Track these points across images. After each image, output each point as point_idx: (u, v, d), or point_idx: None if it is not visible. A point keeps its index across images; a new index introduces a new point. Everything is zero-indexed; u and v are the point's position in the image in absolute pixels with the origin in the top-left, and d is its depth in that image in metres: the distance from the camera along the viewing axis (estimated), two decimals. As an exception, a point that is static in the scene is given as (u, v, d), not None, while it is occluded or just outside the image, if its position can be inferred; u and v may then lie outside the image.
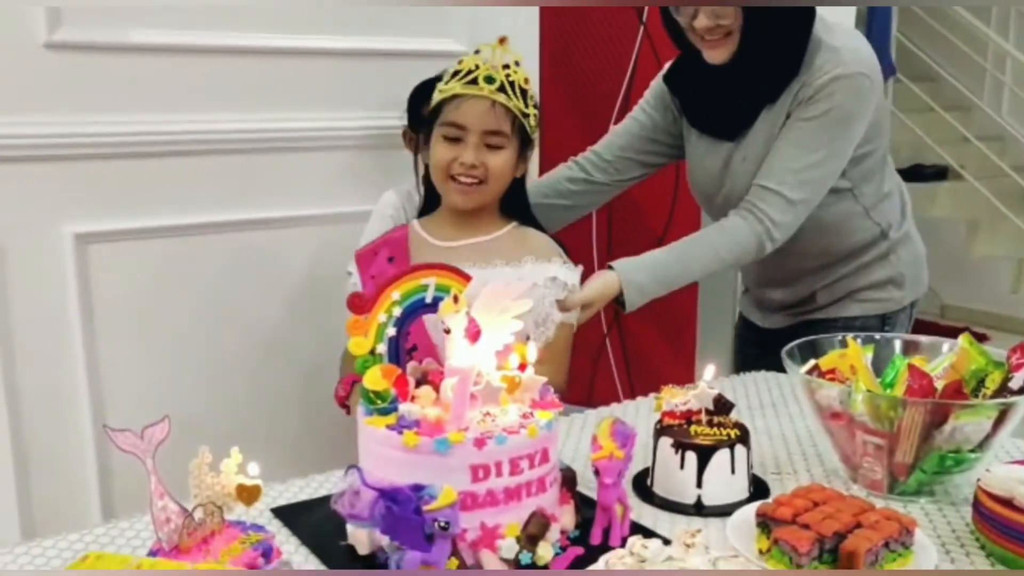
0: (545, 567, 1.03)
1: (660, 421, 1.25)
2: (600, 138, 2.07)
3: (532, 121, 1.58)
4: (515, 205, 1.66)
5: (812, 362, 1.29)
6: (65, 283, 2.02)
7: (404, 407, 1.05)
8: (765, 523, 1.05)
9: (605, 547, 1.07)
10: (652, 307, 3.34)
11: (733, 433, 1.21)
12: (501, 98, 1.52)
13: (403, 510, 0.94)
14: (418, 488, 0.96)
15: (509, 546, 1.02)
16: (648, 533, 1.11)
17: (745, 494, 1.21)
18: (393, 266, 1.51)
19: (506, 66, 1.53)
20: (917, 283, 1.79)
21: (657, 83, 1.86)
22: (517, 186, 1.64)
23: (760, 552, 1.04)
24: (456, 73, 1.55)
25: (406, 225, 1.68)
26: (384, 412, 1.05)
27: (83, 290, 2.03)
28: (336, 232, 2.22)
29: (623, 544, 1.05)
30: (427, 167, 1.68)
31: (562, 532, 1.09)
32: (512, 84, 1.53)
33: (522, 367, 1.10)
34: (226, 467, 0.95)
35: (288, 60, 2.16)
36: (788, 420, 1.50)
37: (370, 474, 1.04)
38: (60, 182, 1.99)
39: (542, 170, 3.26)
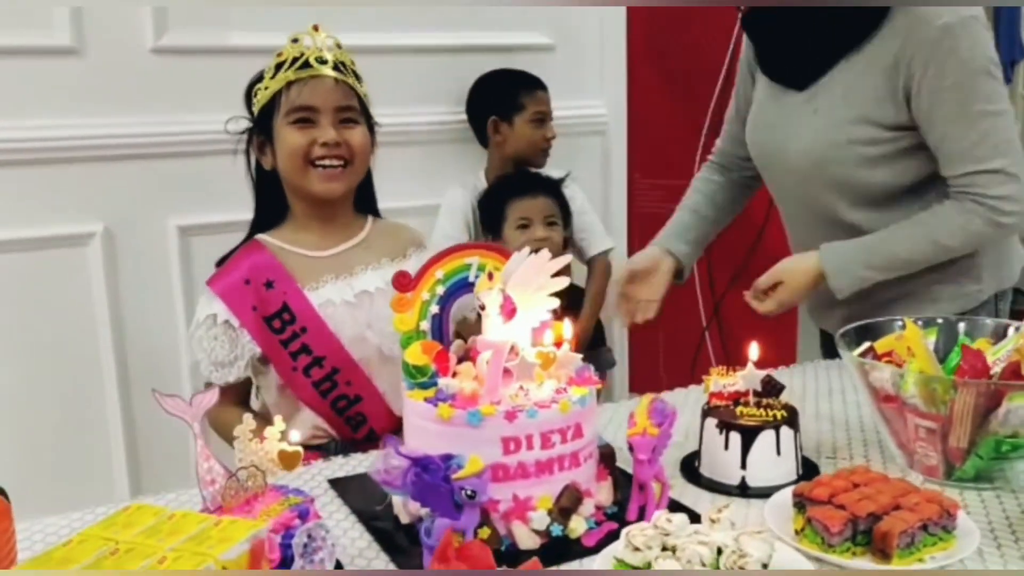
0: (577, 540, 1.05)
1: (708, 402, 1.25)
2: (701, 125, 2.05)
3: (369, 103, 1.55)
4: (368, 198, 1.63)
5: (867, 344, 1.26)
6: (170, 270, 2.16)
7: (443, 381, 1.09)
8: (801, 503, 1.04)
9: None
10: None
11: (780, 414, 1.20)
12: (340, 76, 1.49)
13: (433, 478, 0.98)
14: (448, 457, 1.00)
15: (540, 518, 1.04)
16: (687, 512, 1.11)
17: (792, 476, 1.20)
18: (275, 291, 1.48)
19: (337, 46, 1.51)
20: (999, 272, 1.60)
21: (744, 47, 1.75)
22: (367, 178, 1.60)
23: (796, 532, 1.03)
24: (279, 66, 1.49)
25: (257, 244, 1.56)
26: (424, 386, 1.10)
27: (185, 277, 2.16)
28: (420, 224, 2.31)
29: (656, 519, 1.07)
30: (260, 174, 1.59)
31: (598, 507, 1.11)
32: (343, 64, 1.51)
33: (558, 344, 1.12)
34: (269, 434, 1.01)
35: (373, 58, 2.23)
36: (854, 407, 1.47)
37: (410, 445, 1.10)
38: (164, 178, 2.14)
39: (632, 156, 3.27)
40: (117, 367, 2.12)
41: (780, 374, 1.61)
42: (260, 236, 1.57)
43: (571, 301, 2.20)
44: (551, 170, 2.38)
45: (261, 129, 1.54)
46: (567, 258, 1.14)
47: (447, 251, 1.17)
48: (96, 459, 2.12)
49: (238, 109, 1.65)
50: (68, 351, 2.07)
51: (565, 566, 1.02)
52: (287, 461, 1.01)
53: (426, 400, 1.07)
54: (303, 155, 1.48)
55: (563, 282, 1.12)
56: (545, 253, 1.12)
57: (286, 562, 0.93)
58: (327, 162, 1.48)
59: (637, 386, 3.73)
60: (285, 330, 1.49)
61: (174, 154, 2.14)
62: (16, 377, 2.00)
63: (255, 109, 1.55)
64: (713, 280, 3.45)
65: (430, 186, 2.32)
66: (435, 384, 1.09)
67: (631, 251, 3.56)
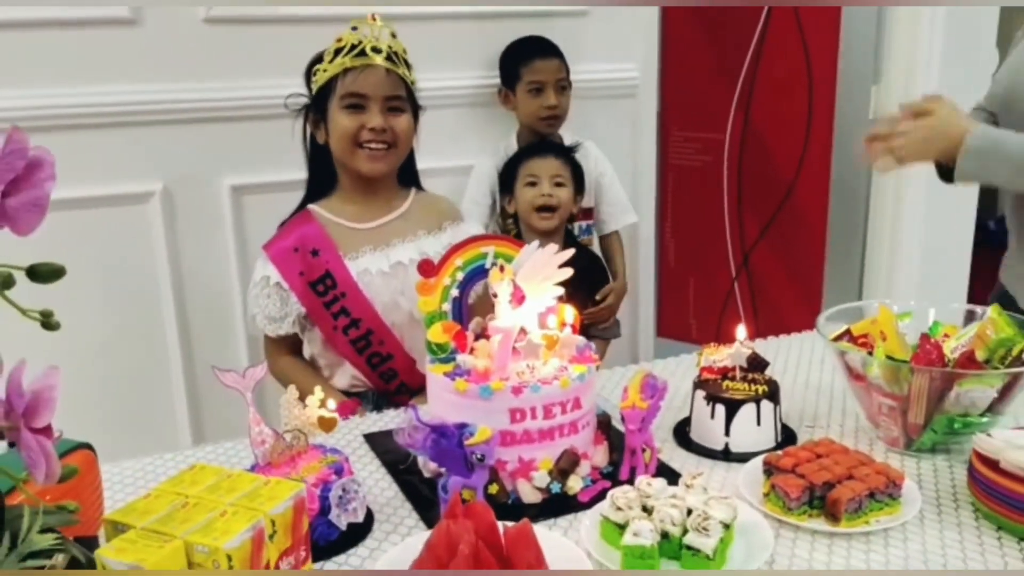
0: (574, 496, 1.22)
1: (699, 375, 1.40)
2: (736, 78, 2.07)
3: (417, 90, 1.68)
4: (411, 173, 1.77)
5: (844, 327, 1.39)
6: (224, 227, 2.33)
7: (461, 358, 1.26)
8: (769, 470, 1.20)
9: (631, 483, 1.24)
10: (780, 252, 3.40)
11: (761, 389, 1.35)
12: (392, 66, 1.62)
13: (449, 443, 1.15)
14: (462, 426, 1.16)
15: (541, 477, 1.21)
16: (673, 474, 1.28)
17: (771, 443, 1.35)
18: (320, 259, 1.64)
19: (392, 36, 1.63)
20: None
21: None
22: (411, 154, 1.74)
23: (764, 495, 1.19)
24: (338, 51, 1.62)
25: (307, 215, 1.71)
26: (444, 361, 1.26)
27: (238, 232, 2.33)
28: (433, 186, 2.45)
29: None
30: (314, 148, 1.73)
31: (594, 468, 1.27)
32: (396, 54, 1.64)
33: (562, 326, 1.27)
34: (310, 402, 1.18)
35: (409, 24, 2.35)
36: (842, 378, 1.61)
37: (431, 412, 1.27)
38: (218, 140, 2.29)
39: (667, 109, 3.35)
40: (178, 318, 2.31)
41: (776, 344, 1.76)
42: (311, 206, 1.73)
43: (595, 273, 2.33)
44: (578, 135, 2.48)
45: (317, 108, 1.69)
46: (571, 252, 1.28)
47: (466, 241, 1.32)
48: (160, 408, 2.32)
49: (286, 76, 1.78)
50: (131, 303, 2.26)
51: (561, 518, 1.18)
52: (325, 425, 1.18)
53: (445, 374, 1.24)
54: (352, 137, 1.63)
55: (568, 272, 1.27)
56: (552, 247, 1.26)
57: (324, 511, 1.12)
58: (373, 145, 1.63)
59: (665, 331, 3.88)
60: (327, 294, 1.66)
61: (227, 118, 2.29)
62: (82, 329, 2.19)
63: (313, 88, 1.70)
64: (744, 232, 3.56)
65: (464, 148, 2.45)
66: (453, 359, 1.26)
67: (662, 205, 3.70)
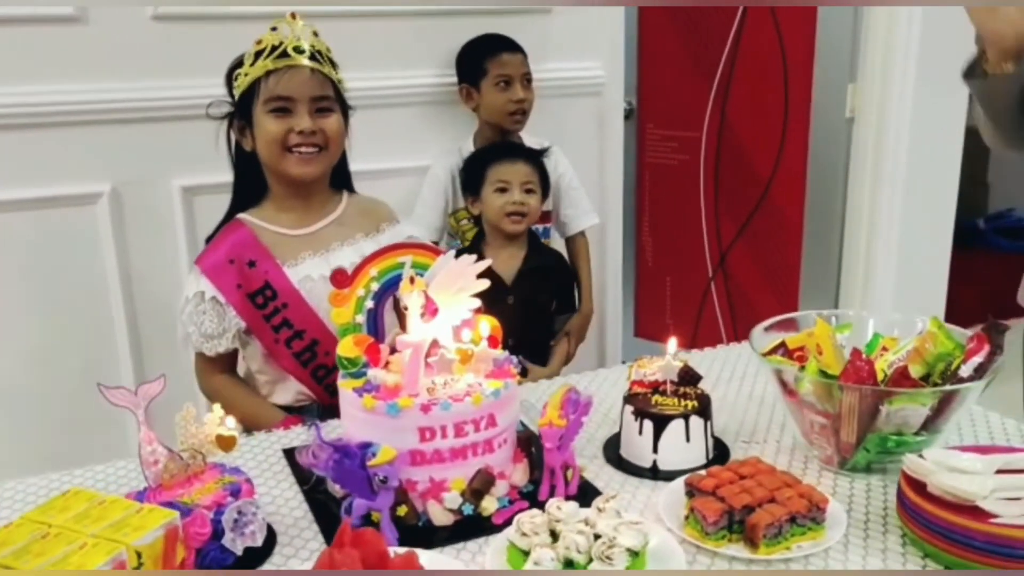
0: (488, 518, 1.17)
1: (629, 389, 1.35)
2: (713, 76, 2.01)
3: (344, 89, 1.63)
4: (343, 175, 1.72)
5: (779, 339, 1.34)
6: (175, 228, 2.28)
7: (372, 372, 1.20)
8: (691, 491, 1.15)
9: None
10: (757, 251, 3.35)
11: (691, 404, 1.29)
12: (316, 66, 1.56)
13: (351, 464, 1.10)
14: (365, 445, 1.11)
15: (453, 498, 1.16)
16: (596, 494, 1.23)
17: (701, 460, 1.30)
18: (257, 270, 1.59)
19: (314, 34, 1.58)
20: None
21: None
22: (341, 158, 1.69)
23: (684, 518, 1.14)
24: (259, 54, 1.56)
25: (238, 224, 1.65)
26: (356, 376, 1.21)
27: (189, 234, 2.28)
28: (386, 187, 2.40)
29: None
30: (240, 155, 1.68)
31: (513, 487, 1.22)
32: (320, 53, 1.58)
33: (477, 340, 1.22)
34: (210, 420, 1.13)
35: (362, 21, 2.30)
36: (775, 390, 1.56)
37: (344, 428, 1.22)
38: (168, 140, 2.24)
39: (644, 107, 3.30)
40: (127, 322, 2.26)
41: (714, 355, 1.71)
42: (241, 216, 1.67)
43: (562, 278, 2.29)
44: (543, 133, 2.43)
45: (242, 113, 1.63)
46: (487, 262, 1.23)
47: (381, 250, 1.27)
48: (108, 415, 2.27)
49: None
50: (79, 307, 2.21)
51: (472, 542, 1.13)
52: (224, 444, 1.13)
53: (354, 390, 1.19)
54: (280, 142, 1.57)
55: (484, 283, 1.22)
56: (468, 257, 1.21)
57: (217, 535, 1.07)
58: (303, 149, 1.57)
59: (643, 331, 3.84)
60: (267, 306, 1.61)
61: (176, 117, 2.23)
62: (27, 334, 2.15)
63: (236, 93, 1.64)
64: (720, 231, 3.51)
65: (418, 149, 2.39)
66: (364, 374, 1.21)
67: (639, 204, 3.64)
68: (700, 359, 1.70)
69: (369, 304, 1.26)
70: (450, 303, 1.20)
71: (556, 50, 2.55)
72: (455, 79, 2.38)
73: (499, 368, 1.23)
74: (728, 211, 3.45)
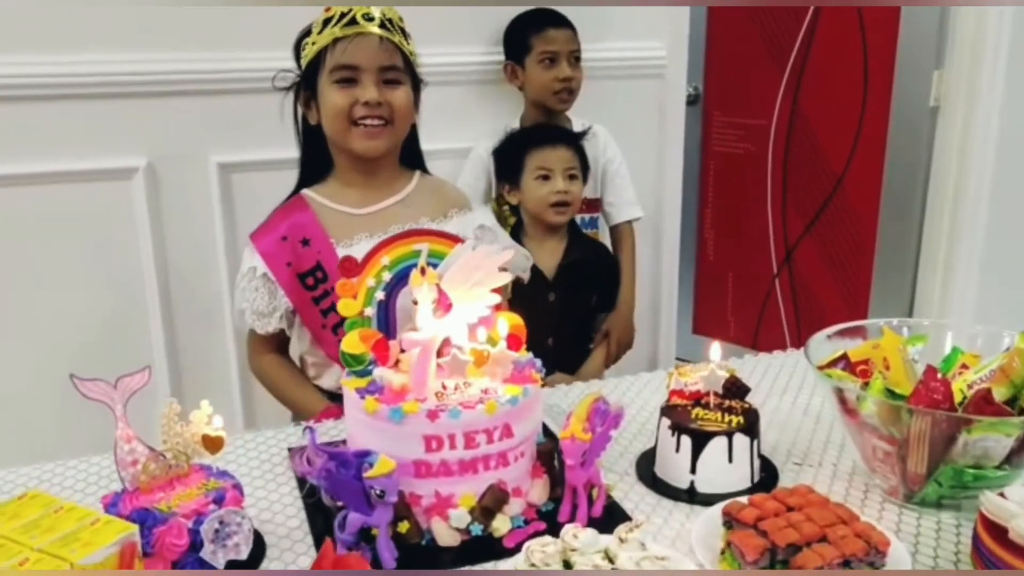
0: (499, 540, 1.05)
1: (667, 400, 1.21)
2: (785, 63, 1.87)
3: (417, 61, 1.52)
4: (414, 154, 1.60)
5: (840, 351, 1.19)
6: (211, 206, 2.21)
7: (378, 371, 1.09)
8: (729, 522, 1.01)
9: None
10: (826, 249, 3.16)
11: (736, 420, 1.15)
12: (386, 34, 1.46)
13: (346, 474, 0.99)
14: (363, 454, 1.00)
15: (459, 516, 1.04)
16: (622, 516, 1.10)
17: (745, 484, 1.16)
18: (311, 249, 1.48)
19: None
20: None
21: None
22: (413, 133, 1.57)
23: (720, 553, 1.00)
24: (327, 21, 1.47)
25: (300, 201, 1.57)
26: (361, 374, 1.10)
27: (226, 212, 2.20)
28: (433, 167, 2.28)
29: (587, 523, 1.06)
30: (307, 129, 1.59)
31: (531, 505, 1.10)
32: (391, 21, 1.47)
33: (495, 341, 1.10)
34: (195, 418, 1.03)
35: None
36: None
37: (348, 432, 1.11)
38: (206, 115, 2.16)
39: (710, 93, 3.14)
40: (160, 298, 2.19)
41: (770, 362, 1.56)
42: (305, 191, 1.58)
43: (606, 273, 2.14)
44: (597, 118, 2.29)
45: (307, 85, 1.54)
46: (508, 254, 1.10)
47: (395, 236, 1.15)
48: (140, 393, 2.20)
49: (280, 48, 1.64)
50: (112, 281, 2.15)
51: (480, 567, 1.01)
52: (211, 445, 1.03)
53: (357, 390, 1.07)
54: (345, 115, 1.48)
55: (505, 277, 1.09)
56: (487, 248, 1.08)
57: (195, 547, 0.97)
58: (368, 121, 1.48)
59: (702, 328, 3.68)
60: (317, 287, 1.52)
61: (217, 91, 2.16)
62: (62, 305, 2.09)
63: (303, 63, 1.55)
64: (787, 225, 3.33)
65: (463, 129, 2.27)
66: (370, 373, 1.09)
67: (702, 194, 3.47)
68: (753, 366, 1.56)
69: (380, 295, 1.14)
70: (465, 298, 1.07)
71: (614, 29, 2.40)
72: (503, 56, 2.25)
73: (519, 372, 1.11)
74: (796, 205, 3.27)
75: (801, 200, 3.27)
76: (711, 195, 3.55)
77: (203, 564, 0.97)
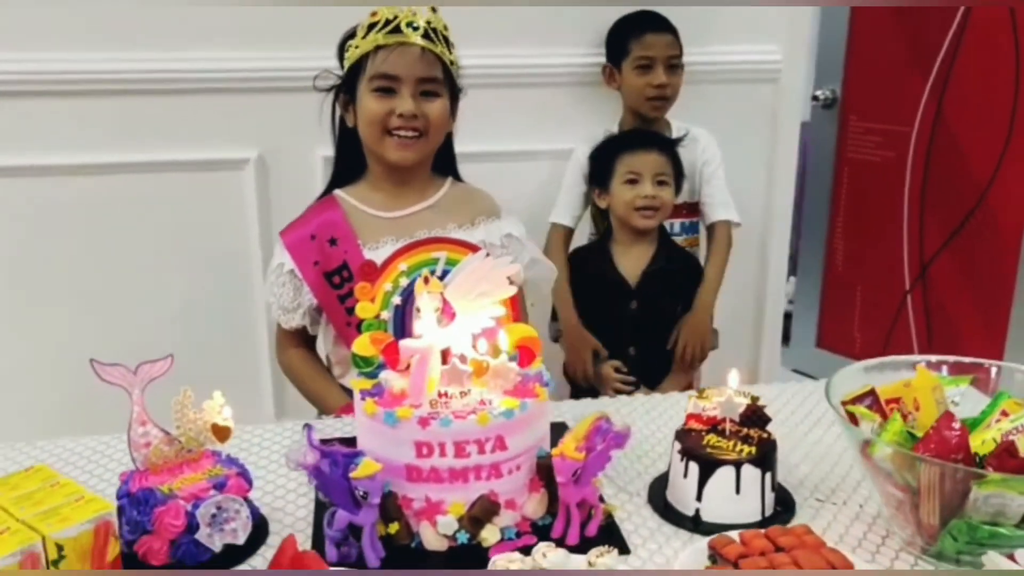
0: (486, 550, 1.05)
1: (684, 424, 1.18)
2: (929, 69, 1.76)
3: (457, 70, 1.50)
4: (448, 161, 1.59)
5: (868, 386, 1.12)
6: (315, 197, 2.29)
7: (384, 375, 1.12)
8: (713, 556, 0.98)
9: (561, 542, 1.06)
10: (965, 265, 2.97)
11: (748, 451, 1.11)
12: (428, 45, 1.44)
13: (334, 472, 1.02)
14: (353, 454, 1.03)
15: (447, 523, 1.05)
16: (618, 538, 1.08)
17: (755, 517, 1.11)
18: (338, 249, 1.49)
19: (432, 10, 1.48)
20: None
21: None
22: (448, 141, 1.57)
23: (701, 586, 0.97)
24: (372, 26, 1.46)
25: (331, 201, 1.59)
26: (370, 376, 1.13)
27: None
28: (526, 169, 2.29)
29: (579, 543, 1.05)
30: (343, 130, 1.60)
31: (526, 519, 1.10)
32: (435, 31, 1.45)
33: (495, 353, 1.10)
34: (208, 407, 1.09)
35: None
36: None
37: (358, 430, 1.14)
38: (314, 110, 2.25)
39: (849, 97, 2.99)
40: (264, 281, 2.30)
41: (806, 389, 1.49)
42: (337, 192, 1.62)
43: (692, 283, 2.07)
44: (705, 123, 2.23)
45: (347, 88, 1.57)
46: (516, 267, 1.10)
47: (414, 243, 1.18)
48: (243, 375, 2.33)
49: None
50: (221, 268, 2.28)
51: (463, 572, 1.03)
52: (219, 434, 1.09)
53: (361, 391, 1.10)
54: (381, 123, 1.50)
55: (509, 290, 1.09)
56: (493, 260, 1.09)
57: (191, 529, 1.03)
58: (402, 132, 1.49)
59: (827, 342, 3.53)
60: (343, 286, 1.55)
61: (323, 89, 2.24)
62: (170, 291, 2.24)
63: (345, 65, 1.58)
64: (923, 238, 3.14)
65: (563, 131, 2.26)
66: (377, 376, 1.12)
67: (834, 201, 3.31)
68: (793, 392, 1.49)
69: (396, 300, 1.17)
70: (469, 309, 1.08)
71: (725, 31, 2.33)
72: (604, 59, 2.23)
73: (523, 385, 1.11)
74: (935, 216, 3.07)
75: (940, 212, 3.07)
76: (843, 203, 3.39)
77: (199, 545, 1.03)
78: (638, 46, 2.09)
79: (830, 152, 3.37)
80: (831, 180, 3.39)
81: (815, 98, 3.34)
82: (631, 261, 2.03)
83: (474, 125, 2.26)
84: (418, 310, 1.09)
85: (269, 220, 2.29)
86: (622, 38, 2.13)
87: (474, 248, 1.19)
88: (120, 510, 1.04)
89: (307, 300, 1.57)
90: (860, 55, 3.25)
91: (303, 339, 1.65)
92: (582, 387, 2.09)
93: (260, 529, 1.11)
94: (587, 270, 2.07)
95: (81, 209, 2.16)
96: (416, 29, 1.48)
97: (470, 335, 1.10)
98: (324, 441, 1.29)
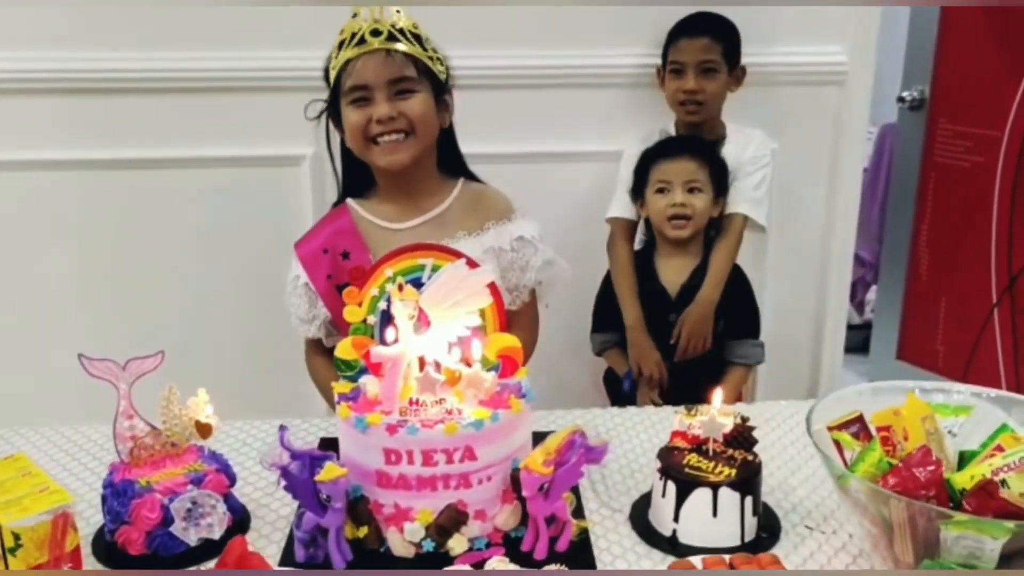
0: (453, 559, 1.06)
1: (669, 440, 1.15)
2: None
3: (439, 64, 1.48)
4: (453, 160, 1.57)
5: (855, 411, 1.07)
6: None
7: (363, 379, 1.13)
8: (671, 581, 0.96)
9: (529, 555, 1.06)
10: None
11: (728, 473, 1.07)
12: (394, 46, 1.44)
13: (302, 474, 1.04)
14: (321, 457, 1.04)
15: (414, 530, 1.06)
16: (587, 555, 1.07)
17: (734, 541, 1.08)
18: (351, 262, 1.47)
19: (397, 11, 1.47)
20: None
21: None
22: (448, 139, 1.54)
23: (658, 611, 0.95)
24: (341, 44, 1.47)
25: (343, 211, 1.58)
26: (351, 379, 1.14)
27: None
28: (577, 171, 2.26)
29: (546, 557, 1.05)
30: (346, 150, 1.60)
31: (497, 530, 1.09)
32: (401, 31, 1.45)
33: (467, 363, 1.10)
34: (193, 403, 1.13)
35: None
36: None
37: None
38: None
39: (937, 99, 2.86)
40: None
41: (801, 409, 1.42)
42: (349, 201, 1.62)
43: (737, 298, 1.99)
44: (766, 126, 2.16)
45: (334, 108, 1.58)
46: (488, 276, 1.09)
47: (400, 250, 1.18)
48: (292, 372, 2.38)
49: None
50: (278, 263, 2.34)
51: None
52: (202, 431, 1.12)
53: (339, 395, 1.12)
54: (363, 133, 1.50)
55: (484, 300, 1.09)
56: (470, 271, 1.08)
57: (166, 522, 1.06)
58: (385, 137, 1.49)
59: (907, 354, 3.39)
60: None
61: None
62: (225, 284, 2.29)
63: (329, 88, 1.59)
64: (1012, 251, 2.97)
65: (616, 133, 2.22)
66: (357, 380, 1.13)
67: (919, 208, 3.16)
68: (786, 413, 1.42)
69: (383, 305, 1.18)
70: (443, 317, 1.08)
71: (789, 31, 2.25)
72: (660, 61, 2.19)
73: (498, 396, 1.10)
74: (1025, 226, 2.91)
75: (1036, 219, 2.91)
76: (928, 210, 3.24)
77: (174, 538, 1.07)
78: (672, 51, 2.06)
79: (916, 156, 3.22)
80: (916, 185, 3.25)
81: (901, 99, 3.20)
82: (672, 272, 1.98)
83: (534, 125, 2.28)
84: (391, 317, 1.09)
85: (324, 212, 2.32)
86: (668, 43, 2.10)
87: (458, 254, 1.18)
88: (103, 499, 1.09)
89: (322, 312, 1.57)
90: (950, 55, 3.09)
91: (324, 348, 1.66)
92: (624, 397, 2.05)
93: (242, 525, 1.14)
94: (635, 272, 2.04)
95: (142, 202, 2.25)
96: (379, 35, 1.47)
97: (446, 343, 1.09)
98: (326, 441, 1.32)
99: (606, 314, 2.07)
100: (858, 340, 3.59)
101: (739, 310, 2.00)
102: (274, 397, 2.27)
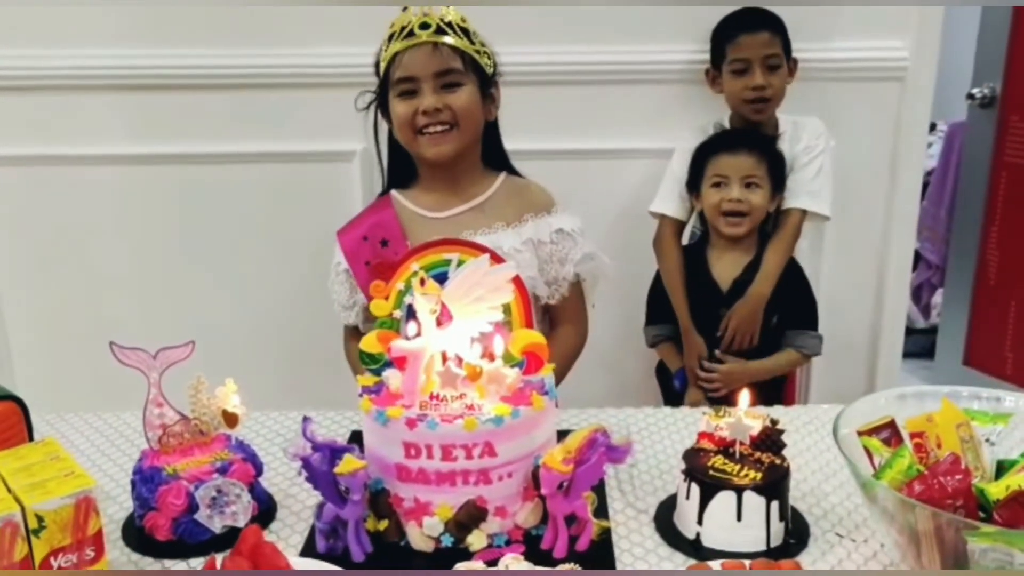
0: (472, 554, 1.05)
1: (696, 442, 1.13)
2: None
3: (485, 58, 1.49)
4: (497, 154, 1.57)
5: (888, 416, 1.03)
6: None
7: (387, 372, 1.13)
8: (684, 585, 0.94)
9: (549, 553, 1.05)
10: None
11: (753, 476, 1.05)
12: (442, 39, 1.45)
13: (322, 465, 1.04)
14: (342, 449, 1.05)
15: (433, 525, 1.06)
16: (608, 555, 1.06)
17: (759, 546, 1.05)
18: (389, 250, 1.48)
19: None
20: None
21: None
22: (492, 132, 1.55)
23: (674, 615, 0.93)
24: (391, 36, 1.49)
25: (386, 202, 1.60)
26: (375, 372, 1.15)
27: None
28: (624, 168, 2.23)
29: (566, 555, 1.04)
30: (393, 140, 1.62)
31: (518, 527, 1.09)
32: (450, 24, 1.46)
33: (489, 358, 1.09)
34: (221, 393, 1.14)
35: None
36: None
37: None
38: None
39: (1010, 93, 2.77)
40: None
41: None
42: (393, 192, 1.65)
43: (793, 294, 1.95)
44: (827, 121, 2.10)
45: (382, 101, 1.61)
46: (512, 272, 1.08)
47: (425, 245, 1.18)
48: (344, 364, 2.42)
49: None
50: (326, 257, 2.37)
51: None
52: (229, 420, 1.14)
53: (363, 387, 1.12)
54: (410, 125, 1.52)
55: (507, 296, 1.08)
56: (492, 267, 1.07)
57: (191, 509, 1.08)
58: (431, 128, 1.51)
59: (975, 360, 3.28)
60: None
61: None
62: (277, 278, 2.34)
63: (378, 81, 1.62)
64: (1093, 248, 2.86)
65: (664, 130, 2.19)
66: (381, 373, 1.14)
67: (989, 209, 3.05)
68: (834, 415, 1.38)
69: (409, 299, 1.18)
70: (465, 313, 1.08)
71: (848, 26, 2.19)
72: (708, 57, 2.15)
73: (520, 392, 1.09)
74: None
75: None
76: (998, 211, 3.13)
77: (199, 525, 1.08)
78: (733, 48, 2.00)
79: (986, 155, 3.12)
80: (986, 185, 3.14)
81: (971, 96, 3.10)
82: (725, 267, 1.95)
83: (582, 121, 2.27)
84: (412, 311, 1.09)
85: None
86: (719, 41, 2.05)
87: (484, 249, 1.18)
88: (132, 485, 1.11)
89: (361, 299, 1.60)
90: (1023, 51, 2.98)
91: (361, 335, 1.67)
92: (675, 394, 2.03)
93: (268, 514, 1.16)
94: (684, 270, 2.01)
95: (196, 197, 2.30)
96: (427, 28, 1.49)
97: (468, 338, 1.09)
98: (357, 434, 1.33)
99: (659, 307, 2.05)
100: (924, 345, 3.48)
101: (796, 302, 1.96)
102: (324, 390, 2.31)
